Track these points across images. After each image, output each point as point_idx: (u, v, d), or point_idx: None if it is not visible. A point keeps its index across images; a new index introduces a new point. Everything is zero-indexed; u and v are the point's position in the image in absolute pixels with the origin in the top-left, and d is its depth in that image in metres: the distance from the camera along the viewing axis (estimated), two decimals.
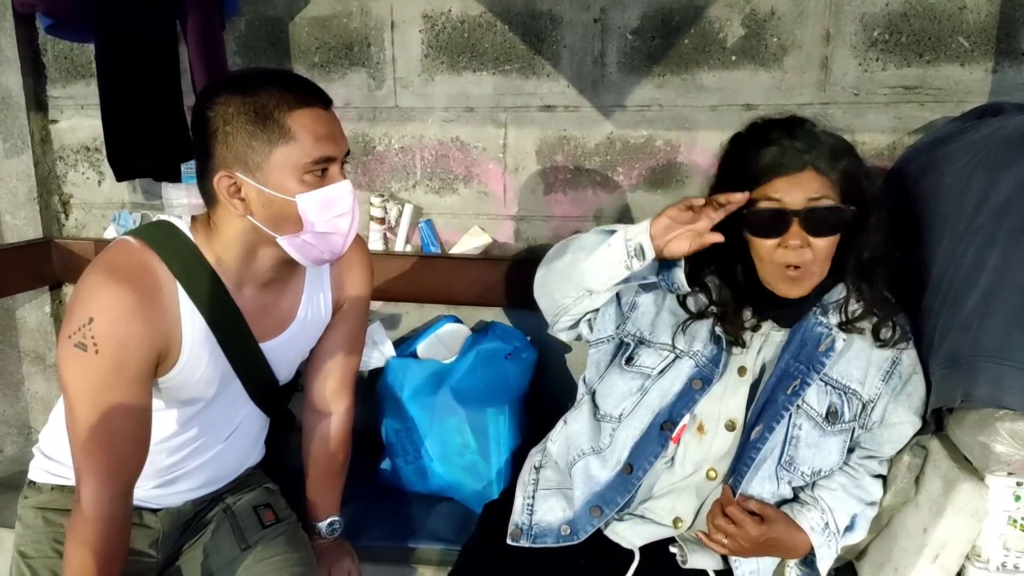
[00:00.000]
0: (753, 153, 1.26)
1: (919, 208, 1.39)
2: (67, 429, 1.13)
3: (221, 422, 1.34)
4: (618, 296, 1.43)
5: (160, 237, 1.17)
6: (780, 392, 1.25)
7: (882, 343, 1.28)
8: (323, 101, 1.15)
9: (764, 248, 1.24)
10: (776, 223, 1.22)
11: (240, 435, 1.40)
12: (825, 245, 1.22)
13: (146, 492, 1.32)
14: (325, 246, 1.18)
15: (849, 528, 1.28)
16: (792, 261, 1.22)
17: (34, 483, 1.37)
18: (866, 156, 1.33)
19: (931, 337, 1.28)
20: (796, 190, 1.21)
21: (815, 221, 1.21)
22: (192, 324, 1.17)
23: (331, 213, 1.14)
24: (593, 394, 1.41)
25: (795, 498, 1.28)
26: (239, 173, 1.11)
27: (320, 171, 1.12)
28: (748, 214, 1.24)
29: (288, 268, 1.26)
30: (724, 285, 1.32)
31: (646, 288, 1.39)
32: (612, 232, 1.30)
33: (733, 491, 1.23)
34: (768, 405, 1.25)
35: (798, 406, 1.25)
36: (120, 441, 1.12)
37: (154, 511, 1.35)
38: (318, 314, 1.36)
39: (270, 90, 1.10)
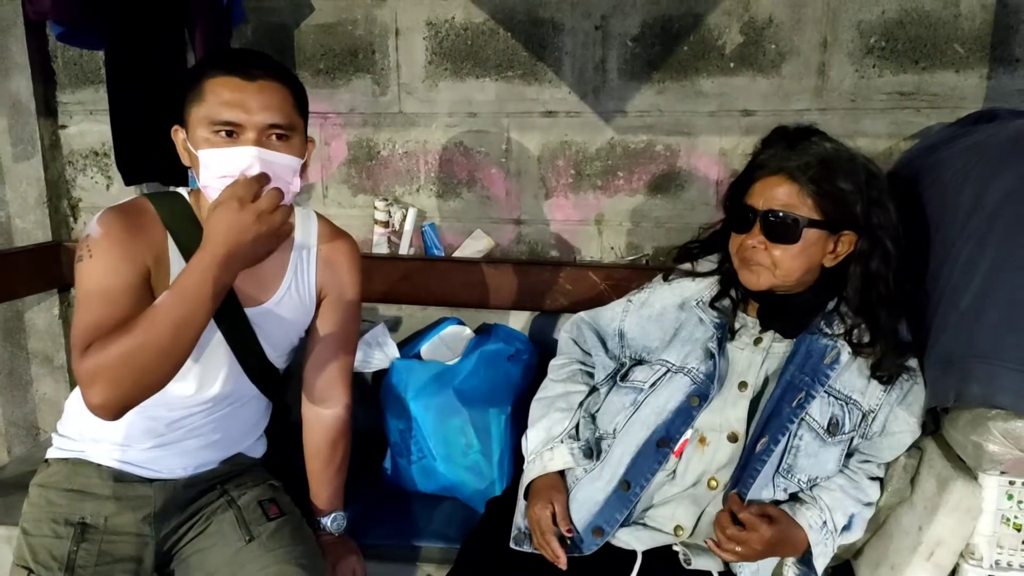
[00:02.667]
0: (755, 153, 1.33)
1: (915, 212, 1.41)
2: (72, 340, 1.18)
3: (216, 386, 1.36)
4: (605, 343, 1.50)
5: (160, 195, 1.34)
6: (785, 404, 1.26)
7: (879, 379, 1.29)
8: (246, 72, 1.20)
9: (733, 242, 1.32)
10: (741, 221, 1.29)
11: (239, 410, 1.42)
12: (783, 253, 1.25)
13: (141, 452, 1.35)
14: None
15: (846, 528, 1.29)
16: (749, 258, 1.28)
17: (47, 461, 1.42)
18: None
19: (925, 338, 1.30)
20: (766, 194, 1.26)
21: (771, 227, 1.24)
22: (179, 270, 1.24)
23: (219, 172, 1.19)
24: (593, 417, 1.44)
25: (793, 497, 1.29)
26: (182, 128, 1.26)
27: (224, 132, 1.19)
28: (727, 208, 1.34)
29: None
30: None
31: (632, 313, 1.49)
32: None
33: (740, 499, 1.23)
34: (773, 417, 1.26)
35: (802, 418, 1.26)
36: (109, 316, 1.15)
37: (148, 481, 1.37)
38: (301, 295, 1.40)
39: (211, 60, 1.25)
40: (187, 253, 1.26)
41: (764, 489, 1.27)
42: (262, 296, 1.36)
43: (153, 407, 1.27)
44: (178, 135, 1.27)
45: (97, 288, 1.18)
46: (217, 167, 1.19)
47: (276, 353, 1.42)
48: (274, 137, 1.22)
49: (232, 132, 1.19)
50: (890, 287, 1.26)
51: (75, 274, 1.20)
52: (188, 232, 1.29)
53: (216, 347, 1.33)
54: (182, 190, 1.35)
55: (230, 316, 1.31)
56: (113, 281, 1.19)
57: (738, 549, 1.19)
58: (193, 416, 1.37)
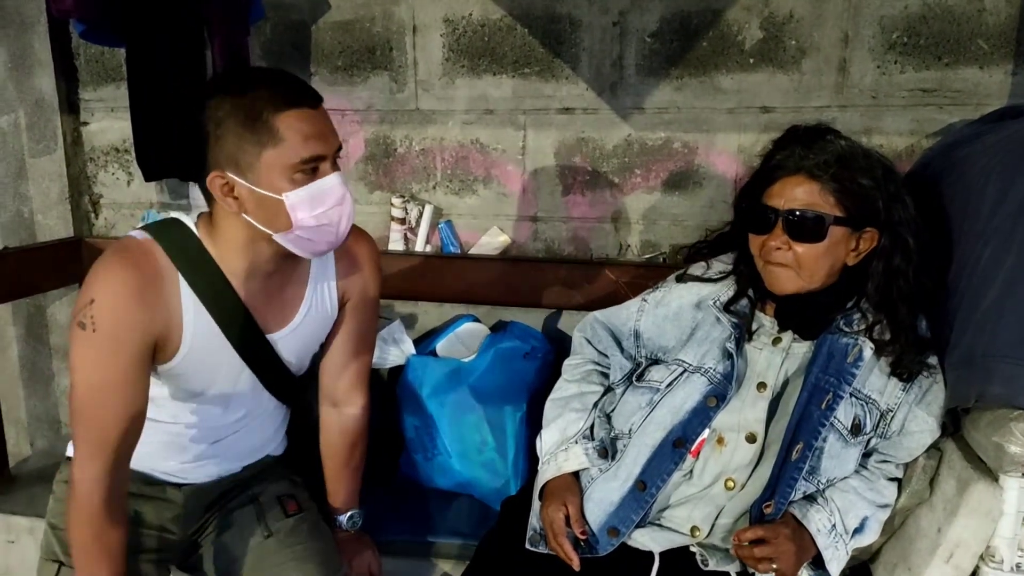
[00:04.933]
0: (770, 154, 1.31)
1: (937, 210, 1.39)
2: (69, 404, 1.18)
3: (242, 408, 1.37)
4: (620, 342, 1.49)
5: (166, 231, 1.22)
6: (814, 407, 1.24)
7: (899, 375, 1.27)
8: (312, 100, 1.16)
9: (754, 243, 1.30)
10: (762, 222, 1.27)
11: (262, 420, 1.43)
12: (807, 251, 1.23)
13: (173, 466, 1.36)
14: (320, 238, 1.20)
15: (859, 530, 1.27)
16: (772, 259, 1.26)
17: (70, 459, 1.41)
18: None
19: (947, 337, 1.29)
20: (786, 194, 1.24)
21: (794, 226, 1.23)
22: (194, 315, 1.21)
23: (321, 207, 1.16)
24: (608, 417, 1.44)
25: (805, 498, 1.28)
26: (231, 173, 1.13)
27: (310, 170, 1.15)
28: (744, 210, 1.31)
29: (291, 260, 1.28)
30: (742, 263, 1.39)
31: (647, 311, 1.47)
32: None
33: (775, 514, 1.22)
34: (804, 422, 1.25)
35: (831, 422, 1.25)
36: (110, 417, 1.16)
37: (178, 486, 1.38)
38: (323, 306, 1.38)
39: (259, 91, 1.12)
40: (202, 296, 1.21)
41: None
42: (284, 319, 1.33)
43: (176, 431, 1.30)
44: (220, 181, 1.14)
45: (92, 378, 1.15)
46: (312, 205, 1.15)
47: (298, 365, 1.42)
48: (336, 160, 1.20)
49: (316, 168, 1.15)
50: (910, 282, 1.25)
51: (72, 336, 1.14)
52: (202, 273, 1.21)
53: (240, 374, 1.32)
54: (187, 219, 1.24)
55: (253, 347, 1.29)
56: (109, 374, 1.15)
57: (774, 566, 1.18)
58: (217, 433, 1.37)
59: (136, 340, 1.15)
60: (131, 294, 1.14)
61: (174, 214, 1.27)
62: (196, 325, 1.21)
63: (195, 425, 1.34)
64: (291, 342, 1.35)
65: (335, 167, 1.18)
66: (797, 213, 1.23)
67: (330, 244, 1.23)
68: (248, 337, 1.27)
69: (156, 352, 1.20)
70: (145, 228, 1.22)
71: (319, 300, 1.37)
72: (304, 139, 1.12)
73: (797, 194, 1.23)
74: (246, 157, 1.12)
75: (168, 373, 1.24)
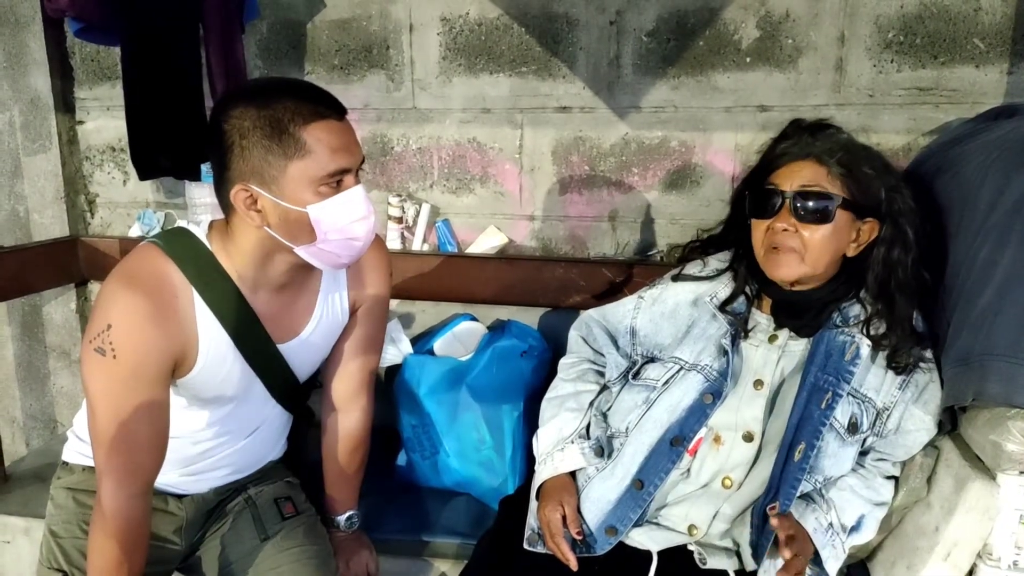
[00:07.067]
0: (775, 144, 1.32)
1: (933, 208, 1.40)
2: (88, 429, 1.17)
3: (247, 418, 1.37)
4: (615, 340, 1.49)
5: (177, 245, 1.20)
6: (814, 407, 1.24)
7: (895, 368, 1.28)
8: (338, 112, 1.15)
9: (757, 229, 1.29)
10: (767, 204, 1.27)
11: (265, 430, 1.43)
12: (813, 235, 1.23)
13: (173, 478, 1.35)
14: (343, 251, 1.19)
15: (855, 528, 1.27)
16: (778, 243, 1.25)
17: (67, 464, 1.41)
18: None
19: (943, 335, 1.29)
20: (794, 177, 1.25)
21: (803, 207, 1.23)
22: (209, 330, 1.20)
23: (346, 220, 1.15)
24: (605, 416, 1.44)
25: (802, 496, 1.27)
26: (255, 186, 1.12)
27: (335, 182, 1.13)
28: (748, 194, 1.31)
29: (304, 271, 1.28)
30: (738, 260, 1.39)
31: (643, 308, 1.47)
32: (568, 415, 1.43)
33: (780, 514, 1.21)
34: (804, 422, 1.24)
35: (830, 422, 1.25)
36: (137, 443, 1.16)
37: (179, 497, 1.38)
38: (335, 315, 1.38)
39: (285, 102, 1.10)
40: (216, 310, 1.19)
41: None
42: (295, 329, 1.33)
43: (183, 446, 1.30)
44: (244, 195, 1.13)
45: (117, 406, 1.14)
46: (336, 219, 1.14)
47: (305, 374, 1.41)
48: (359, 172, 1.18)
49: (340, 180, 1.14)
50: (908, 273, 1.26)
51: (88, 362, 1.13)
52: (215, 287, 1.20)
53: (250, 385, 1.32)
54: (196, 229, 1.23)
55: (264, 358, 1.29)
56: (133, 400, 1.14)
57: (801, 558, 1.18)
58: (220, 446, 1.37)
59: (157, 363, 1.15)
60: (149, 318, 1.13)
61: (181, 223, 1.26)
62: (210, 339, 1.21)
63: (201, 438, 1.34)
64: (302, 352, 1.35)
65: (357, 178, 1.17)
66: (808, 194, 1.23)
67: (352, 258, 1.22)
68: (260, 349, 1.27)
69: (174, 369, 1.19)
70: (155, 240, 1.21)
71: (330, 309, 1.36)
72: (331, 152, 1.11)
73: (805, 175, 1.24)
74: (271, 170, 1.11)
75: (181, 386, 1.24)
